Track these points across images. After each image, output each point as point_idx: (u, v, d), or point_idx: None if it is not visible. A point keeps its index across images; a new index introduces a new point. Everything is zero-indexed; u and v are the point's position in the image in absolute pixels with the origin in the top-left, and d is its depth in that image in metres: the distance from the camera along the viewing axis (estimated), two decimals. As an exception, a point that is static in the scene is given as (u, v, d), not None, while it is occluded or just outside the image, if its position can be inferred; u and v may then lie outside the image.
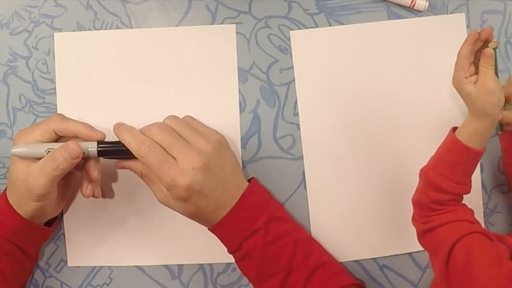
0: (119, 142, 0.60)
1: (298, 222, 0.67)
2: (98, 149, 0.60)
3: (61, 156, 0.58)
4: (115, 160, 0.63)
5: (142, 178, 0.62)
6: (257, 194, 0.64)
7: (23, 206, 0.60)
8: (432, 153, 0.66)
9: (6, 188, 0.63)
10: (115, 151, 0.61)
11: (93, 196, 0.63)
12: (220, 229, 0.62)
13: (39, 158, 0.59)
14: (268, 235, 0.61)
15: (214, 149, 0.60)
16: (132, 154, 0.59)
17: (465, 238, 0.58)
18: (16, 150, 0.59)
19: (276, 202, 0.66)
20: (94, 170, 0.61)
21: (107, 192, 0.68)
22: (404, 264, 0.69)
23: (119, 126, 0.60)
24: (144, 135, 0.59)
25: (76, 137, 0.61)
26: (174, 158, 0.58)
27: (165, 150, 0.58)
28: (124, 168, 0.63)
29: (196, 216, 0.61)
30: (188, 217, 0.62)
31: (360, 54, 0.69)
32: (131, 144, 0.59)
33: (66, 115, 0.62)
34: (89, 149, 0.60)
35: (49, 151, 0.59)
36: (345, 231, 0.69)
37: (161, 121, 0.62)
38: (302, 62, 0.69)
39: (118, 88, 0.68)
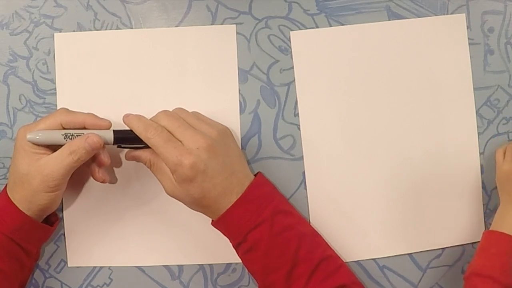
0: (132, 131, 0.62)
1: (303, 216, 0.67)
2: (115, 135, 0.62)
3: (83, 149, 0.60)
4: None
5: (150, 167, 0.63)
6: (263, 186, 0.64)
7: (36, 199, 0.61)
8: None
9: (5, 187, 0.63)
10: (130, 138, 0.62)
11: (103, 181, 0.64)
12: (226, 220, 0.62)
13: (55, 145, 0.60)
14: (274, 227, 0.61)
15: (219, 135, 0.62)
16: (145, 142, 0.61)
17: None
18: (32, 136, 0.60)
19: (282, 196, 0.66)
20: (104, 156, 0.63)
21: (107, 193, 0.68)
22: (404, 265, 0.69)
23: (127, 115, 0.63)
24: (152, 121, 0.62)
25: (83, 128, 0.62)
26: (180, 141, 0.60)
27: (171, 133, 0.61)
28: (133, 158, 0.64)
29: (203, 201, 0.61)
30: (195, 206, 0.62)
31: (361, 55, 0.69)
32: (139, 127, 0.61)
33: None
34: (105, 138, 0.62)
35: (66, 136, 0.60)
36: (345, 231, 0.69)
37: None
38: (303, 63, 0.69)
39: (118, 89, 0.68)
